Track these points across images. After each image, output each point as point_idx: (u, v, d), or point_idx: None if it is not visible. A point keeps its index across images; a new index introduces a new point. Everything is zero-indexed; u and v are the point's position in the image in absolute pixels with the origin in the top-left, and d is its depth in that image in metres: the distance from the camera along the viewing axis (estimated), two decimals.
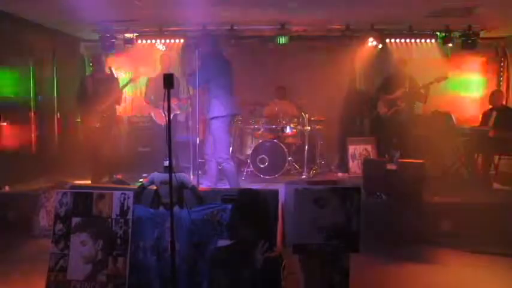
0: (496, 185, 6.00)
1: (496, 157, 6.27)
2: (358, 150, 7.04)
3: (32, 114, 6.47)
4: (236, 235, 3.06)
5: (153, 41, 7.23)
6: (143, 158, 6.61)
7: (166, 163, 3.25)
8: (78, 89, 6.18)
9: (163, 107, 2.87)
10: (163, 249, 3.24)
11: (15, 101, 6.22)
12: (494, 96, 6.39)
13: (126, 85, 6.39)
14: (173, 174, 2.90)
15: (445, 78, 6.56)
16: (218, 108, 5.22)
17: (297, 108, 6.92)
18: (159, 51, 7.14)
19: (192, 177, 5.38)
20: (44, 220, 4.95)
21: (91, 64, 6.31)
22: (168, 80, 2.76)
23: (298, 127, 6.73)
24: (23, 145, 6.19)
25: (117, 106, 6.40)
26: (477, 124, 6.50)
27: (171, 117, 5.18)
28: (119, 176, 6.03)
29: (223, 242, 3.08)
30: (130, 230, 3.12)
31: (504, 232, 4.50)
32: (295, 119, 6.77)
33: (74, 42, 7.68)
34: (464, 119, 7.29)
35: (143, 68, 7.39)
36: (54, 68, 7.02)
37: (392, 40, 7.29)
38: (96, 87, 5.99)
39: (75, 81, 7.68)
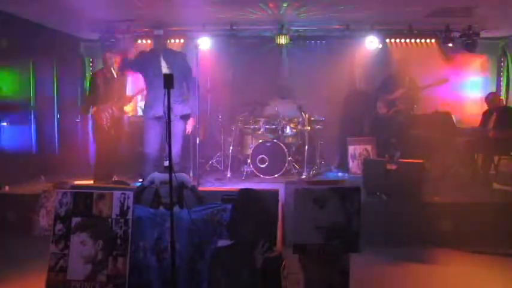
0: (496, 185, 5.99)
1: (496, 157, 6.26)
2: (358, 150, 7.04)
3: (32, 114, 6.47)
4: (236, 235, 3.07)
5: None
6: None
7: (166, 163, 3.26)
8: (89, 87, 6.12)
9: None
10: (163, 249, 3.24)
11: (15, 100, 6.21)
12: (491, 99, 6.37)
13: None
14: (173, 174, 2.90)
15: (446, 81, 6.56)
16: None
17: (297, 108, 6.91)
18: None
19: (192, 177, 5.37)
20: (44, 220, 4.95)
21: (102, 62, 6.21)
22: (168, 80, 2.77)
23: (298, 127, 6.71)
24: (23, 145, 6.18)
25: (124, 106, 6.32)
26: (477, 124, 6.49)
27: None
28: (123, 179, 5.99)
29: (223, 242, 3.09)
30: (130, 230, 3.12)
31: (504, 232, 4.50)
32: (295, 119, 6.76)
33: (74, 42, 7.68)
34: (464, 119, 7.31)
35: None
36: (54, 68, 7.01)
37: (392, 40, 7.31)
38: (106, 86, 5.89)
39: (75, 81, 7.71)
